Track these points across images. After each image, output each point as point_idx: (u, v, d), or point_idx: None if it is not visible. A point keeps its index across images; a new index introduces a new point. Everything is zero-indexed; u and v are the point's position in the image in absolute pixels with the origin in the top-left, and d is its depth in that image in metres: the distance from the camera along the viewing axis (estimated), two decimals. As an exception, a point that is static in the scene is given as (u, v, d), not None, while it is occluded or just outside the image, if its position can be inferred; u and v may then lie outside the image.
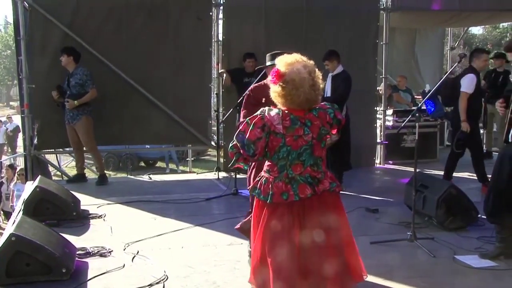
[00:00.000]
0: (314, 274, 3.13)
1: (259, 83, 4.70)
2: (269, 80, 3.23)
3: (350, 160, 7.52)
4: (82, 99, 7.62)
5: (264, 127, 3.11)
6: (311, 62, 3.23)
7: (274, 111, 3.19)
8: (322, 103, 3.32)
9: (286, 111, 3.18)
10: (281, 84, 3.13)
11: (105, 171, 8.76)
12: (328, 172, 3.33)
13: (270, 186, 3.21)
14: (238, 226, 4.62)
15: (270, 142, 3.14)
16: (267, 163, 3.29)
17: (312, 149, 3.18)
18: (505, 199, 4.53)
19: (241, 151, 3.14)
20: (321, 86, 3.22)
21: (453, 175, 7.27)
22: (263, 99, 4.16)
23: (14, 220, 5.03)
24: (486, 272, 4.46)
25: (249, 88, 4.73)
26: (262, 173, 3.31)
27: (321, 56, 7.10)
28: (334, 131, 3.34)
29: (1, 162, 14.06)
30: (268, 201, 3.20)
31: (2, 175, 12.93)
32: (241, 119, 4.38)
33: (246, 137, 3.11)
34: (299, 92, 3.10)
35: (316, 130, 3.18)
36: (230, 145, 3.23)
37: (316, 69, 3.22)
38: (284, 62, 3.18)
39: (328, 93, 7.13)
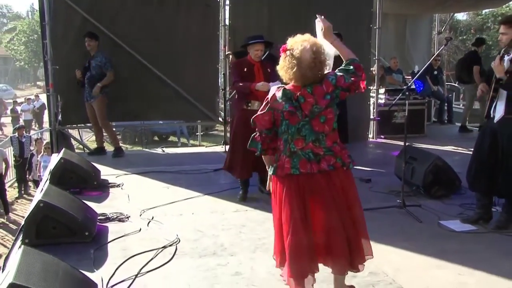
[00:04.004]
0: (320, 251, 2.98)
1: (241, 58, 5.50)
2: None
3: (347, 134, 7.50)
4: (103, 81, 7.63)
5: (267, 104, 3.05)
6: (322, 46, 3.01)
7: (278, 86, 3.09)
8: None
9: (285, 87, 3.03)
10: (282, 56, 3.00)
11: (123, 145, 8.76)
12: (338, 149, 3.08)
13: (277, 159, 3.08)
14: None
15: (275, 117, 3.04)
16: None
17: (310, 124, 2.97)
18: (486, 169, 4.52)
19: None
20: (325, 70, 2.99)
21: (439, 148, 7.22)
22: (245, 69, 5.29)
23: (42, 188, 5.06)
24: (467, 235, 4.48)
25: (234, 62, 5.43)
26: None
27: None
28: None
29: (30, 136, 14.07)
30: (272, 174, 3.09)
31: (32, 148, 12.98)
32: (234, 82, 5.42)
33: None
34: (293, 64, 2.91)
35: (308, 107, 2.94)
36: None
37: (324, 55, 2.99)
38: (294, 39, 3.01)
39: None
